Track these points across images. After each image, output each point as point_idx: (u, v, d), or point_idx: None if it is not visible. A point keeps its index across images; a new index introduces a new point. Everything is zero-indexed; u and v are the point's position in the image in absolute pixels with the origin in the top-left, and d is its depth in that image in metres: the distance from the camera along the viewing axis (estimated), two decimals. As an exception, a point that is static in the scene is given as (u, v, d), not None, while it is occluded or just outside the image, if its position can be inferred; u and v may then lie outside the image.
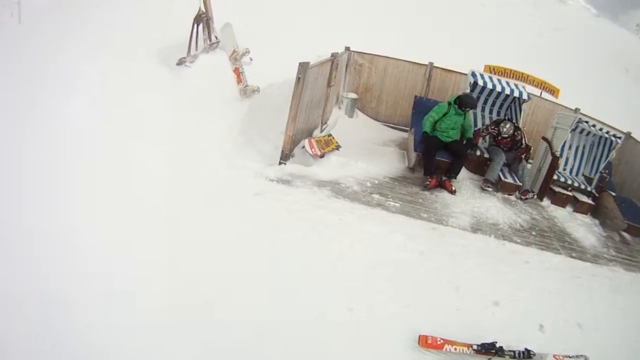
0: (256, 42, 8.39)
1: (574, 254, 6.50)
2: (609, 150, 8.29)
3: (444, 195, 7.14)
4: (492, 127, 8.04)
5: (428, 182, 7.13)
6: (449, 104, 7.39)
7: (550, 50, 17.27)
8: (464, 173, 7.76)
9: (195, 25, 8.16)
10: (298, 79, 6.21)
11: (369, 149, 8.26)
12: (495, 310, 4.90)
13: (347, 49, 9.41)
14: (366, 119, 9.93)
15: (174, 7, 8.75)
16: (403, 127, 9.65)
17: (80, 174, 5.00)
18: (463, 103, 7.30)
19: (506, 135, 7.88)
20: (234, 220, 5.12)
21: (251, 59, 7.79)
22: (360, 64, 9.67)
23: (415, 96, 8.90)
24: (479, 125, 8.89)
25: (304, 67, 6.18)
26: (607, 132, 7.97)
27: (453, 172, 7.30)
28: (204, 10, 8.50)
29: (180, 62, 8.11)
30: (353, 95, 9.45)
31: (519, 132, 8.02)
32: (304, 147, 6.84)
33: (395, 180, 7.25)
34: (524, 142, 8.08)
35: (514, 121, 8.41)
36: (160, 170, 5.60)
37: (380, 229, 5.66)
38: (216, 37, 8.89)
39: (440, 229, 6.07)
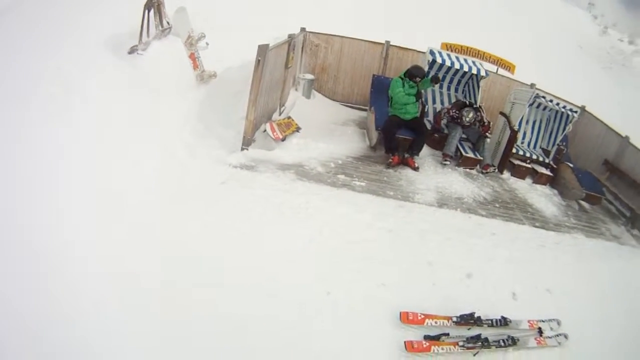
0: (211, 25, 8.18)
1: (537, 224, 6.75)
2: (566, 124, 8.59)
3: (408, 172, 7.19)
4: (454, 111, 8.13)
5: (391, 160, 7.17)
6: (401, 78, 7.46)
7: (505, 27, 17.71)
8: (425, 150, 7.85)
9: (147, 11, 7.79)
10: (258, 61, 6.03)
11: (329, 129, 8.20)
12: (469, 282, 5.05)
13: (303, 29, 9.28)
14: (324, 99, 9.85)
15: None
16: (361, 106, 9.61)
17: (31, 166, 4.76)
18: (412, 74, 7.42)
19: (468, 123, 8.03)
20: (201, 212, 5.04)
21: (207, 44, 7.49)
22: (316, 45, 9.55)
23: (374, 75, 8.90)
24: (438, 103, 8.96)
25: (263, 49, 6.01)
26: (564, 107, 8.25)
27: (415, 149, 7.37)
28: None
29: (132, 51, 7.76)
30: (310, 76, 9.34)
31: (479, 113, 8.17)
32: (265, 131, 6.75)
33: (359, 160, 7.23)
34: (485, 120, 8.22)
35: (471, 98, 8.56)
36: (121, 162, 5.38)
37: (348, 209, 5.64)
38: (168, 23, 8.58)
39: (407, 206, 6.11)
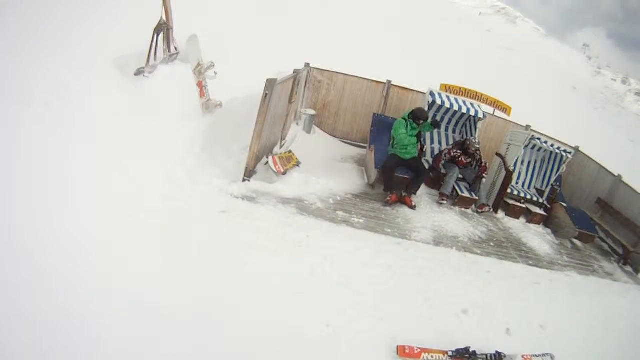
0: (219, 56, 8.43)
1: (531, 262, 7.04)
2: (560, 165, 8.98)
3: (405, 210, 7.47)
4: (455, 150, 8.49)
5: (389, 198, 7.46)
6: (404, 120, 7.79)
7: (501, 69, 18.36)
8: (422, 189, 8.15)
9: (156, 35, 8.12)
10: (265, 95, 6.28)
11: (329, 165, 8.51)
12: (465, 318, 5.25)
13: (307, 65, 9.67)
14: (324, 135, 10.21)
15: (132, 15, 8.66)
16: (361, 144, 9.98)
17: (35, 186, 5.04)
18: (417, 116, 7.74)
19: (478, 146, 8.38)
20: (204, 240, 5.19)
21: (216, 73, 7.74)
22: (319, 81, 9.96)
23: (374, 114, 9.27)
24: (436, 143, 9.36)
25: (271, 83, 6.26)
26: (558, 148, 8.63)
27: (413, 189, 7.67)
28: (165, 20, 8.60)
29: (139, 72, 8.11)
30: (311, 112, 9.71)
31: (479, 151, 8.52)
32: (266, 163, 7.00)
33: (357, 197, 7.52)
34: (483, 160, 8.59)
35: (469, 136, 8.97)
36: (123, 186, 5.62)
37: (348, 245, 5.88)
38: (176, 48, 8.92)
39: (404, 244, 6.37)
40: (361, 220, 6.64)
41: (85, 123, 6.30)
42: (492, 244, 7.26)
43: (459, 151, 8.42)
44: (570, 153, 8.73)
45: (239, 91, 8.41)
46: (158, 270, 4.49)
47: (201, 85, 7.70)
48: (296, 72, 8.03)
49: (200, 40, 7.70)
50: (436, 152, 9.26)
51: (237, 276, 4.78)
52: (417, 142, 7.84)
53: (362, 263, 5.63)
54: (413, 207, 7.55)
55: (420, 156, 8.26)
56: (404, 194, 7.63)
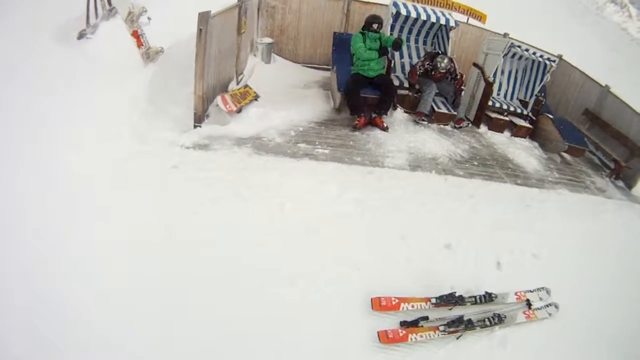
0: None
1: (519, 181, 6.11)
2: (543, 74, 7.83)
3: (376, 133, 6.39)
4: (428, 63, 7.25)
5: (356, 122, 6.36)
6: (361, 33, 6.59)
7: None
8: (400, 114, 7.10)
9: None
10: (200, 31, 5.17)
11: (290, 94, 7.31)
12: (448, 254, 4.39)
13: (258, -9, 8.26)
14: (285, 62, 8.90)
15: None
16: (325, 67, 8.70)
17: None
18: (369, 22, 6.55)
19: (443, 70, 7.15)
20: (150, 200, 4.25)
21: (149, 19, 6.56)
22: (272, 6, 8.53)
23: (335, 32, 7.94)
24: (406, 57, 8.05)
25: (204, 17, 5.13)
26: (541, 56, 7.49)
27: (383, 109, 6.56)
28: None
29: (81, 35, 7.09)
30: (268, 40, 8.37)
31: (452, 63, 7.31)
32: (217, 104, 5.85)
33: (322, 125, 6.39)
34: (458, 72, 7.38)
35: (442, 50, 7.68)
36: (68, 154, 4.65)
37: (311, 181, 4.87)
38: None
39: (376, 172, 5.34)
40: (326, 151, 5.57)
41: (19, 99, 5.35)
42: (475, 162, 6.26)
43: (430, 64, 7.20)
44: (554, 61, 7.60)
45: (182, 32, 7.09)
46: (105, 239, 3.73)
47: (137, 35, 6.46)
48: (241, 0, 6.62)
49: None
50: (407, 66, 8.00)
51: (189, 240, 3.88)
52: (380, 57, 6.61)
53: (328, 201, 4.64)
54: (385, 129, 6.47)
55: (388, 72, 7.03)
56: (373, 116, 6.53)
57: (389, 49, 6.51)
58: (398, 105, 7.11)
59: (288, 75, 8.11)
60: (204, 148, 5.23)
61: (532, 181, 6.25)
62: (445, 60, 7.11)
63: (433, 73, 7.14)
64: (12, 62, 5.96)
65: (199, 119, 5.65)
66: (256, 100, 6.47)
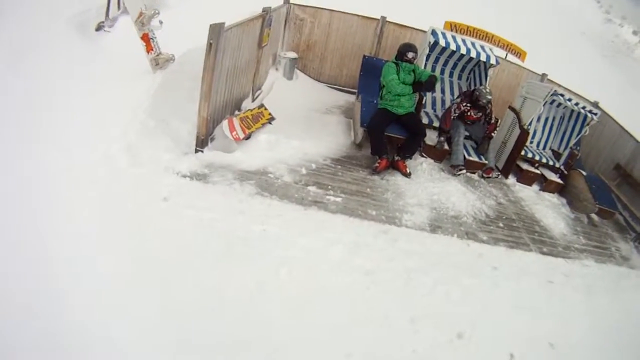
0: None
1: (545, 249, 5.33)
2: (582, 125, 7.00)
3: (397, 179, 5.64)
4: (465, 104, 6.41)
5: (377, 164, 5.60)
6: (395, 63, 5.78)
7: (507, 10, 15.57)
8: (421, 159, 6.33)
9: None
10: (209, 45, 4.45)
11: (308, 119, 6.61)
12: (459, 345, 3.66)
13: (287, 1, 7.60)
14: (308, 80, 8.22)
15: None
16: (350, 89, 7.98)
17: None
18: (402, 52, 5.75)
19: (489, 97, 6.30)
20: (134, 247, 3.57)
21: (161, 22, 5.93)
22: (301, 19, 7.81)
23: (364, 56, 7.21)
24: (438, 92, 7.25)
25: (215, 29, 4.41)
26: (583, 107, 6.64)
27: (407, 151, 5.78)
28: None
29: (99, 28, 6.55)
30: (292, 55, 7.66)
31: (490, 104, 6.47)
32: (223, 130, 5.15)
33: (338, 163, 5.64)
34: (493, 116, 6.59)
35: (478, 85, 6.90)
36: (52, 167, 4.12)
37: (316, 240, 4.14)
38: None
39: (392, 232, 4.61)
40: (338, 199, 4.82)
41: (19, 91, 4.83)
42: (501, 224, 5.48)
43: (467, 104, 6.36)
44: (596, 114, 6.76)
45: (198, 40, 6.43)
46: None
47: (147, 39, 5.81)
48: (265, 10, 5.98)
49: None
50: (439, 102, 7.22)
51: (167, 299, 3.26)
52: (414, 92, 5.78)
53: (332, 267, 3.91)
54: (407, 175, 5.72)
55: (418, 110, 6.23)
56: (396, 158, 5.75)
57: (423, 85, 5.66)
58: (425, 155, 6.36)
59: (309, 96, 7.39)
60: (202, 179, 4.55)
61: (558, 249, 5.48)
62: (488, 89, 6.31)
63: (469, 114, 6.30)
64: (22, 49, 5.47)
65: (201, 143, 4.96)
66: (270, 123, 5.82)
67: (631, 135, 7.71)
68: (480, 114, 6.42)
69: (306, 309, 3.46)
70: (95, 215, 3.74)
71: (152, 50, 5.87)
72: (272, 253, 3.84)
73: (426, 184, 5.66)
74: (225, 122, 5.05)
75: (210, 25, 4.37)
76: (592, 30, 19.29)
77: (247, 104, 6.22)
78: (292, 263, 3.79)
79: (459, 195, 5.64)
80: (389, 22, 7.84)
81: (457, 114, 6.34)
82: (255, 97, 6.58)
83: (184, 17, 6.75)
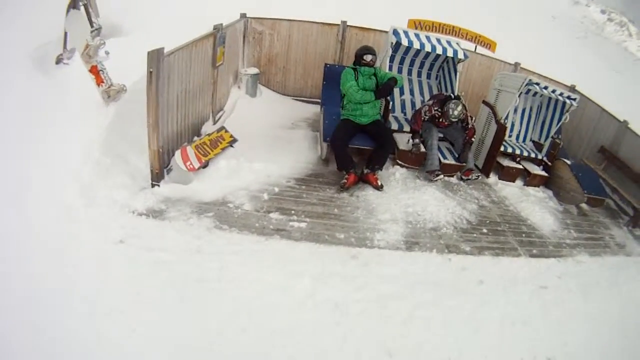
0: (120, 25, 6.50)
1: (534, 251, 4.92)
2: (561, 113, 6.58)
3: (368, 194, 5.17)
4: (436, 109, 5.89)
5: (344, 181, 5.12)
6: (352, 69, 5.30)
7: (470, 1, 15.17)
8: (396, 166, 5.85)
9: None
10: (150, 74, 4.03)
11: (273, 137, 6.14)
12: None
13: (243, 15, 7.15)
14: (272, 95, 7.74)
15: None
16: (317, 100, 7.44)
17: None
18: (360, 55, 5.27)
19: (455, 120, 5.80)
20: (86, 299, 3.14)
21: (107, 53, 5.36)
22: (259, 32, 7.35)
23: (326, 64, 6.74)
24: (407, 94, 6.79)
25: (154, 56, 3.99)
26: (561, 94, 6.21)
27: (377, 163, 5.31)
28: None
29: (58, 60, 5.95)
30: (253, 70, 7.21)
31: (465, 110, 5.94)
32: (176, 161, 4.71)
33: (303, 183, 5.17)
34: (470, 121, 6.04)
35: (447, 85, 6.44)
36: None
37: (278, 274, 3.68)
38: (94, 23, 6.75)
39: (363, 255, 4.14)
40: (302, 225, 4.37)
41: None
42: (484, 229, 5.04)
43: (439, 109, 5.88)
44: (574, 99, 6.35)
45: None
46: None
47: (96, 71, 5.27)
48: (216, 27, 5.53)
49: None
50: (408, 105, 6.77)
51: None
52: (377, 98, 5.28)
53: (297, 304, 3.48)
54: (379, 188, 5.24)
55: (386, 114, 5.79)
56: (365, 171, 5.26)
57: (380, 89, 5.17)
58: (400, 162, 5.86)
59: (274, 111, 6.94)
60: (158, 216, 4.10)
61: (549, 249, 5.07)
62: (459, 108, 5.72)
63: (441, 120, 5.85)
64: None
65: (156, 177, 4.51)
66: (231, 146, 5.37)
67: (613, 116, 7.36)
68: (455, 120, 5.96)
69: (271, 355, 3.04)
70: (47, 263, 3.33)
71: (102, 82, 5.38)
72: (230, 294, 3.40)
73: (400, 196, 5.19)
74: (178, 153, 4.61)
75: (148, 53, 3.95)
76: (562, 13, 18.97)
77: (208, 128, 5.77)
78: (252, 303, 3.36)
79: (436, 203, 5.17)
80: (350, 26, 7.41)
81: (427, 117, 5.87)
82: (216, 119, 6.13)
83: (140, 44, 6.29)
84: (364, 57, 5.17)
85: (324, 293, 3.57)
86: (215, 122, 6.07)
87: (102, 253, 3.56)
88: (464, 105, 5.81)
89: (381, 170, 5.38)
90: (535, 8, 17.86)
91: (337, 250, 4.09)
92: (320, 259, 3.93)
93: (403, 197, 5.15)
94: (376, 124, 5.33)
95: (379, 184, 5.22)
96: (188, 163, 4.59)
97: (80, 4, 6.53)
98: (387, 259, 4.13)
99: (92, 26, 6.91)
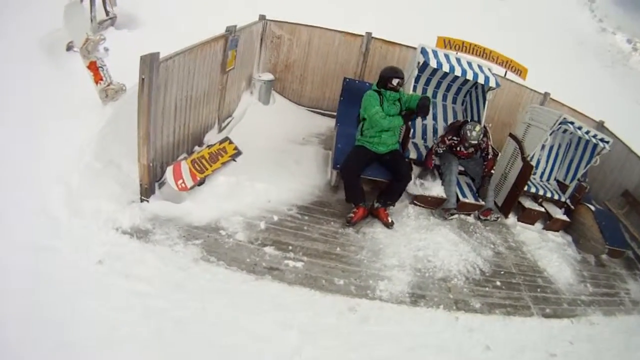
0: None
1: (547, 310, 4.43)
2: (591, 154, 5.99)
3: (376, 231, 4.69)
4: (450, 137, 5.42)
5: (352, 215, 4.63)
6: (376, 92, 4.65)
7: (498, 24, 14.46)
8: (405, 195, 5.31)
9: None
10: (142, 81, 3.56)
11: (281, 151, 5.69)
12: None
13: (262, 17, 6.64)
14: (286, 104, 7.25)
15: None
16: (332, 113, 6.87)
17: None
18: (387, 78, 4.55)
19: (474, 142, 5.27)
20: (56, 328, 2.76)
21: (107, 49, 4.98)
22: (278, 36, 6.82)
23: (345, 78, 6.11)
24: (429, 119, 6.29)
25: (147, 62, 3.49)
26: (595, 136, 5.64)
27: (389, 199, 4.80)
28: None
29: (69, 48, 5.90)
30: (268, 77, 6.71)
31: (486, 136, 5.47)
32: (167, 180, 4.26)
33: (306, 212, 4.69)
34: (490, 150, 5.56)
35: (473, 114, 5.87)
36: None
37: (264, 322, 3.24)
38: (108, 13, 6.95)
39: (362, 308, 3.68)
40: (299, 264, 3.91)
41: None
42: (498, 282, 4.55)
43: (455, 138, 5.37)
44: (607, 142, 5.73)
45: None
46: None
47: (95, 67, 4.88)
48: (229, 29, 5.02)
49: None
50: (430, 132, 6.27)
51: None
52: (403, 124, 4.73)
53: (280, 361, 3.03)
54: (389, 225, 4.75)
55: (405, 145, 5.26)
56: (376, 205, 4.75)
57: (417, 111, 4.54)
58: (416, 202, 5.31)
59: (286, 122, 6.47)
60: (143, 237, 3.69)
61: (563, 307, 4.58)
62: (477, 129, 5.21)
63: (459, 149, 5.33)
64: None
65: (145, 192, 4.09)
66: (234, 160, 4.92)
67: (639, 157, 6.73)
68: (472, 149, 5.44)
69: None
70: (23, 282, 2.99)
71: (101, 80, 4.98)
72: (209, 340, 2.98)
73: (411, 236, 4.70)
74: (169, 170, 4.16)
75: (141, 58, 3.48)
76: (589, 40, 18.18)
77: (212, 137, 5.35)
78: (232, 354, 2.94)
79: (449, 247, 4.68)
80: (375, 38, 6.85)
81: (442, 149, 5.37)
82: (223, 127, 5.69)
83: (151, 38, 5.87)
84: (392, 80, 4.54)
85: (312, 351, 3.13)
86: (221, 130, 5.64)
87: (78, 274, 3.18)
88: (485, 130, 5.35)
89: (394, 206, 4.88)
90: (562, 33, 17.11)
91: (334, 300, 3.64)
92: (313, 309, 3.50)
93: (414, 238, 4.67)
94: (393, 154, 4.81)
95: (390, 220, 4.73)
96: (180, 182, 4.16)
97: None
98: (389, 314, 3.68)
99: (107, 15, 6.70)
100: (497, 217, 5.46)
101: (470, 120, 5.45)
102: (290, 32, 6.77)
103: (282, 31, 6.75)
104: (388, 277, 4.03)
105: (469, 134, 5.19)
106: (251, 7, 7.17)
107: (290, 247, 4.06)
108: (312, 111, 7.25)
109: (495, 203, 5.72)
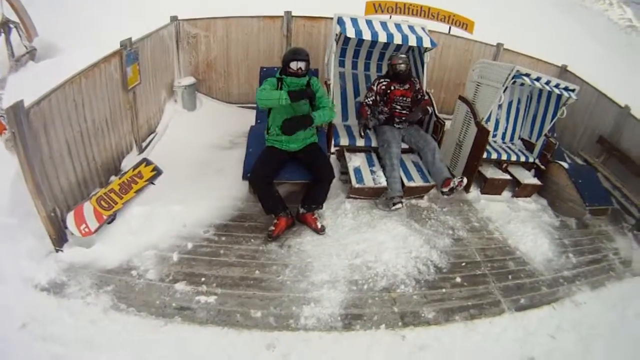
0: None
1: (522, 300, 3.73)
2: (556, 106, 5.19)
3: (304, 240, 3.96)
4: (378, 82, 4.79)
5: (272, 229, 3.87)
6: (277, 79, 3.87)
7: None
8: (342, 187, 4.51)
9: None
10: (12, 135, 2.99)
11: (202, 162, 4.93)
12: None
13: (174, 19, 5.83)
14: (214, 105, 6.43)
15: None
16: (265, 107, 6.10)
17: None
18: (287, 62, 3.79)
19: (404, 62, 4.69)
20: None
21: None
22: (193, 36, 6.00)
23: (262, 68, 5.32)
24: (362, 96, 5.40)
25: (11, 115, 2.91)
26: (557, 85, 4.88)
27: (313, 202, 4.01)
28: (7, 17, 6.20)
29: None
30: (188, 81, 5.94)
31: (416, 79, 4.92)
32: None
33: (225, 231, 3.97)
34: (423, 90, 4.93)
35: (414, 76, 5.03)
36: None
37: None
38: (26, 46, 6.41)
39: (282, 342, 2.99)
40: (212, 299, 3.23)
41: None
42: (458, 278, 3.83)
43: (384, 80, 4.79)
44: (573, 91, 4.96)
45: None
46: None
47: None
48: (123, 44, 4.26)
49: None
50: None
51: None
52: (309, 109, 3.88)
53: None
54: (319, 231, 3.99)
55: (329, 135, 4.49)
56: (301, 211, 4.01)
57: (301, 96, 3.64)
58: (352, 196, 4.52)
59: (214, 126, 5.77)
60: (58, 292, 3.15)
61: (541, 291, 3.87)
62: (403, 57, 4.73)
63: (392, 89, 4.73)
64: None
65: (56, 242, 3.51)
66: (152, 183, 4.30)
67: (612, 100, 6.11)
68: (408, 85, 4.78)
69: None
70: None
71: (5, 129, 4.23)
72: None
73: (348, 239, 3.96)
74: (70, 216, 3.53)
75: (6, 110, 2.91)
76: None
77: (131, 160, 4.65)
78: None
79: (395, 245, 3.95)
80: (296, 16, 6.02)
81: (373, 99, 4.77)
82: (144, 147, 4.97)
83: (68, 64, 5.12)
84: (290, 64, 3.77)
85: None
86: (142, 151, 4.94)
87: (5, 342, 2.75)
88: (427, 93, 4.91)
89: (321, 209, 4.12)
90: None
91: (250, 337, 2.96)
92: (226, 352, 2.83)
93: (351, 242, 3.92)
94: (309, 150, 4.02)
95: (319, 226, 3.99)
96: (82, 227, 3.54)
97: (11, 26, 6.21)
98: (316, 345, 2.98)
99: (26, 49, 6.41)
100: (461, 179, 4.45)
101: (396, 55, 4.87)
102: (205, 29, 5.96)
103: (196, 29, 5.94)
104: (315, 299, 3.31)
105: (395, 56, 4.73)
106: (169, 7, 6.39)
107: (203, 279, 3.37)
108: (243, 107, 6.45)
109: (452, 174, 4.93)
